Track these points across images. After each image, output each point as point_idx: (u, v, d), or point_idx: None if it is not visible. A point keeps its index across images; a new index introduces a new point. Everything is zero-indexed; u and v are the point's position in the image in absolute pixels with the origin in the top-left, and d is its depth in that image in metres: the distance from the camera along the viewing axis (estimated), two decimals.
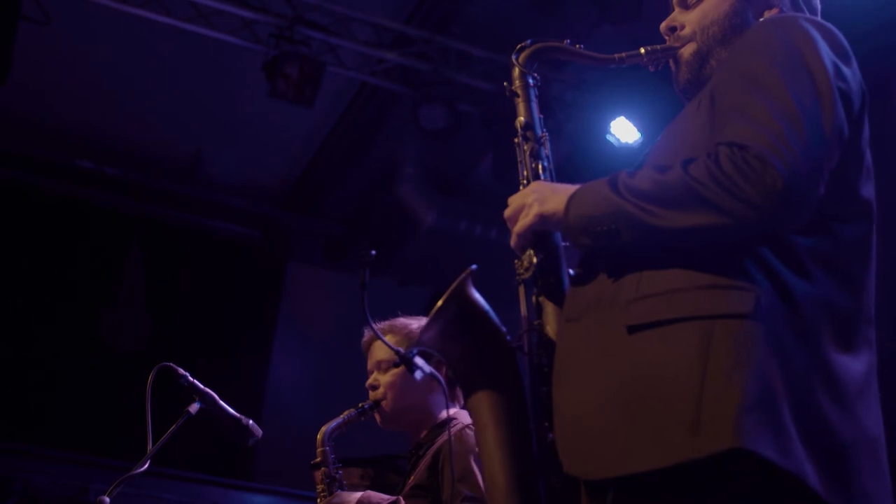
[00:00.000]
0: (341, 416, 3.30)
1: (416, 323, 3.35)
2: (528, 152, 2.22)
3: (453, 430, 3.11)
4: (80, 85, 8.26)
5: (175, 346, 8.36)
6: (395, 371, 3.26)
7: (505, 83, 2.34)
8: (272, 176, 9.40)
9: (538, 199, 2.02)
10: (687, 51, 2.22)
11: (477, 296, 2.11)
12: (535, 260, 2.04)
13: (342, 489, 3.23)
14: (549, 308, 2.04)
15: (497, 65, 7.59)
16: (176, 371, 3.09)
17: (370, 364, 3.37)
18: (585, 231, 1.91)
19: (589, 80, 7.52)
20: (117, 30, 7.61)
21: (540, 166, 2.20)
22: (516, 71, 2.32)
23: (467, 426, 3.09)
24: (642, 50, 2.27)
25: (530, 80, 2.31)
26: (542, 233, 2.05)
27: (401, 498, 3.04)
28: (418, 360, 2.09)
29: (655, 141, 2.20)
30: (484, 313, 2.10)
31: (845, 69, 1.94)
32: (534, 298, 2.06)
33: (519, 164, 2.24)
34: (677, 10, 2.29)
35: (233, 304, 9.27)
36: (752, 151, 1.76)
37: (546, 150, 2.23)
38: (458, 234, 8.79)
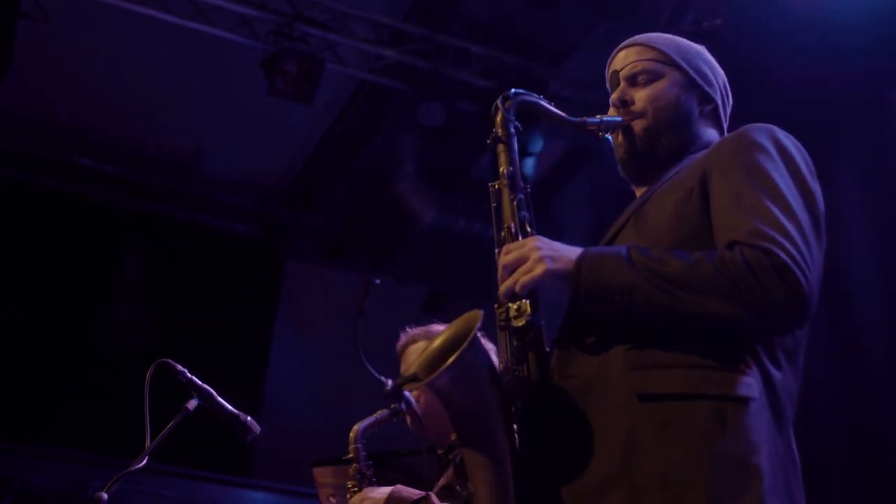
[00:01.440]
0: (374, 415, 3.34)
1: None
2: (514, 202, 2.24)
3: None
4: (79, 82, 8.25)
5: (174, 344, 8.36)
6: None
7: (493, 131, 2.33)
8: (271, 173, 9.40)
9: (547, 255, 2.07)
10: (638, 126, 2.39)
11: (483, 343, 2.17)
12: (529, 311, 2.09)
13: (372, 485, 3.26)
14: (532, 357, 2.09)
15: (495, 62, 7.60)
16: (174, 367, 3.09)
17: (403, 367, 3.41)
18: (597, 297, 2.01)
19: (588, 78, 7.52)
20: (116, 27, 7.61)
21: (526, 220, 2.23)
22: (501, 117, 2.32)
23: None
24: (599, 116, 2.42)
25: (512, 130, 2.33)
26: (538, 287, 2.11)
27: (431, 493, 3.06)
28: (406, 394, 2.09)
29: (630, 215, 2.29)
30: (490, 362, 2.14)
31: (817, 187, 2.14)
32: (519, 344, 2.10)
33: (497, 211, 2.26)
34: (625, 83, 2.44)
35: (232, 301, 9.27)
36: (779, 259, 1.93)
37: (529, 203, 2.27)
38: (456, 232, 8.79)
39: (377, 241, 9.36)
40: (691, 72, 2.40)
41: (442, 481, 3.19)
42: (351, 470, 3.29)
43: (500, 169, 2.28)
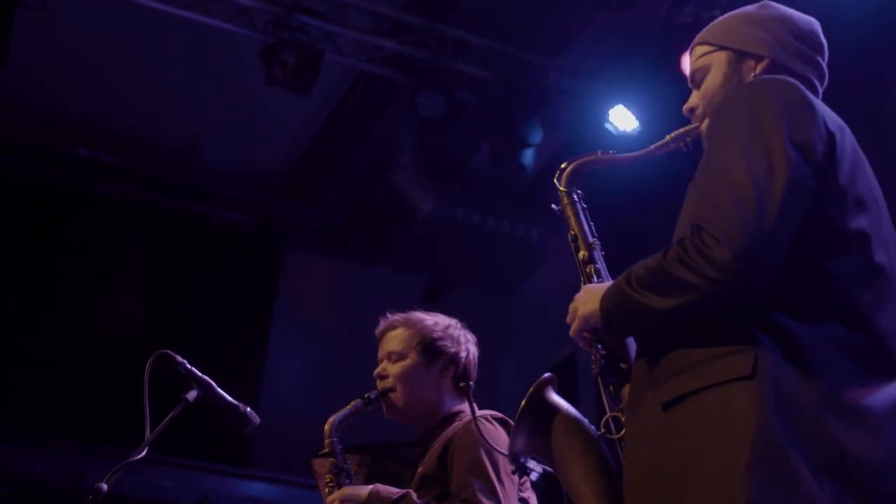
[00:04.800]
0: (348, 406, 3.31)
1: (431, 319, 3.40)
2: (581, 260, 2.48)
3: (461, 421, 3.15)
4: (78, 72, 8.24)
5: (172, 334, 8.36)
6: (404, 363, 3.29)
7: (552, 205, 2.58)
8: (270, 164, 9.40)
9: (580, 303, 2.27)
10: (704, 126, 2.40)
11: (553, 398, 2.36)
12: (598, 355, 2.28)
13: (350, 480, 3.24)
14: (626, 393, 2.26)
15: (494, 53, 7.59)
16: (174, 359, 3.09)
17: (381, 353, 3.38)
18: (612, 324, 2.19)
19: (587, 69, 7.52)
20: (115, 17, 7.59)
21: (592, 269, 2.45)
22: (560, 192, 2.57)
23: (477, 418, 3.10)
24: (668, 137, 2.47)
25: (574, 197, 2.56)
26: (593, 330, 2.28)
27: (411, 491, 3.04)
28: (531, 464, 2.36)
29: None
30: (560, 412, 2.33)
31: (805, 120, 2.10)
32: (610, 388, 2.29)
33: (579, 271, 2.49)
34: (693, 92, 2.48)
35: (230, 291, 9.27)
36: (706, 231, 1.99)
37: (598, 253, 2.48)
38: (455, 222, 8.79)
39: (376, 232, 9.37)
40: (735, 45, 2.39)
41: (421, 470, 3.17)
42: (327, 464, 3.27)
43: (568, 235, 2.53)
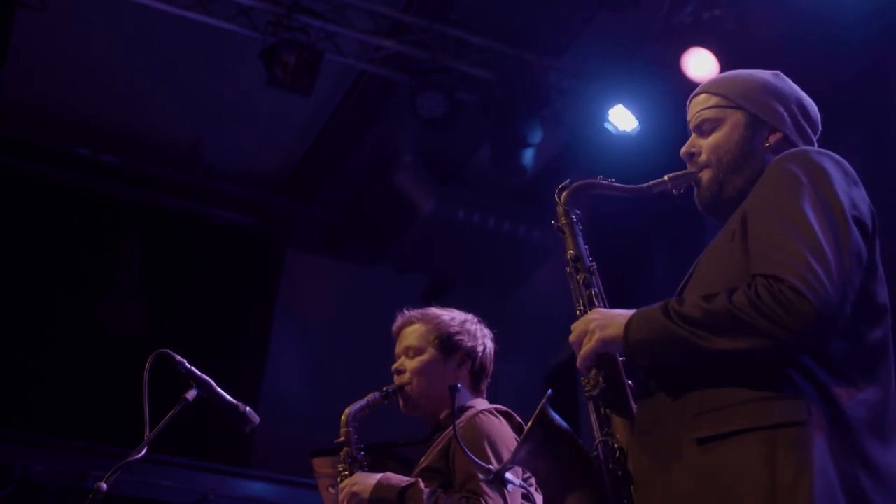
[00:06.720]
0: (365, 398, 3.37)
1: (448, 314, 3.45)
2: (580, 282, 2.49)
3: (467, 415, 3.19)
4: (78, 72, 8.25)
5: (172, 334, 8.36)
6: (421, 358, 3.35)
7: (553, 221, 2.59)
8: (270, 163, 9.40)
9: (599, 325, 2.30)
10: (705, 176, 2.49)
11: (556, 417, 2.36)
12: (600, 379, 2.32)
13: (363, 470, 3.27)
14: (616, 420, 2.32)
15: (495, 53, 7.59)
16: (173, 358, 3.09)
17: (399, 349, 3.44)
18: (644, 353, 2.22)
19: (587, 69, 7.52)
20: (115, 16, 7.60)
21: (592, 293, 2.47)
22: (560, 209, 2.58)
23: (481, 412, 3.18)
24: (666, 177, 2.52)
25: (573, 217, 2.58)
26: (603, 354, 2.32)
27: (419, 479, 3.09)
28: (509, 476, 2.36)
29: (696, 263, 2.47)
30: (565, 432, 2.35)
31: (857, 196, 2.25)
32: (602, 411, 2.33)
33: (572, 292, 2.51)
34: (694, 135, 2.55)
35: (230, 291, 9.27)
36: (787, 283, 2.05)
37: (596, 279, 2.50)
38: (456, 222, 8.80)
39: (376, 232, 9.37)
40: (753, 109, 2.48)
41: (425, 462, 3.22)
42: (342, 453, 3.31)
43: (567, 254, 2.53)
